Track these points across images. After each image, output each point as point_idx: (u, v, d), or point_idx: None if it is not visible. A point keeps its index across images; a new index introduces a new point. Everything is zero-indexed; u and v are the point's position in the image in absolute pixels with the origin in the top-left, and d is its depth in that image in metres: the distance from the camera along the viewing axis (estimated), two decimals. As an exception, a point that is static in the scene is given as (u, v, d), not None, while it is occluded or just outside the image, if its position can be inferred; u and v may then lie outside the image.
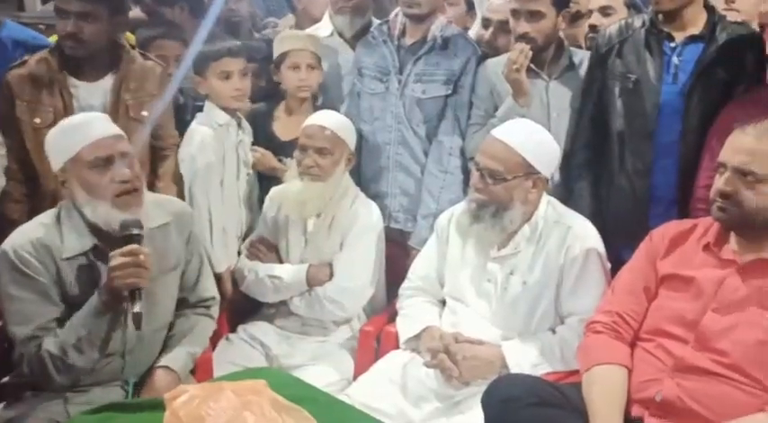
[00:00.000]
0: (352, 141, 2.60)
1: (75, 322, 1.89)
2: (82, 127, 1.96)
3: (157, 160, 2.58)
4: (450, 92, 2.68)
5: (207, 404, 1.55)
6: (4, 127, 2.35)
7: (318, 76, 2.79)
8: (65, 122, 2.01)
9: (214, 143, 2.59)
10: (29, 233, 1.95)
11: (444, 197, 2.65)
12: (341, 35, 3.05)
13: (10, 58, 2.65)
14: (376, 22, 3.05)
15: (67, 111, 2.36)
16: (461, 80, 2.67)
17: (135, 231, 1.88)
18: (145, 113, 2.47)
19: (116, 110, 2.40)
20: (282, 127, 2.82)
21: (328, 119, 2.56)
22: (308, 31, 3.09)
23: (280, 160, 2.78)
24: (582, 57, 2.60)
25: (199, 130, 2.61)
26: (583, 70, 2.56)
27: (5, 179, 2.36)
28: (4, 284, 1.91)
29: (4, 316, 1.94)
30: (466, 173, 2.61)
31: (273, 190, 2.67)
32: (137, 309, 1.84)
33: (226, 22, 3.10)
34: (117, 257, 1.84)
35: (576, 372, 1.97)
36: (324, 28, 3.10)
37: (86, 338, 1.88)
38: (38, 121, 2.35)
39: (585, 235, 2.20)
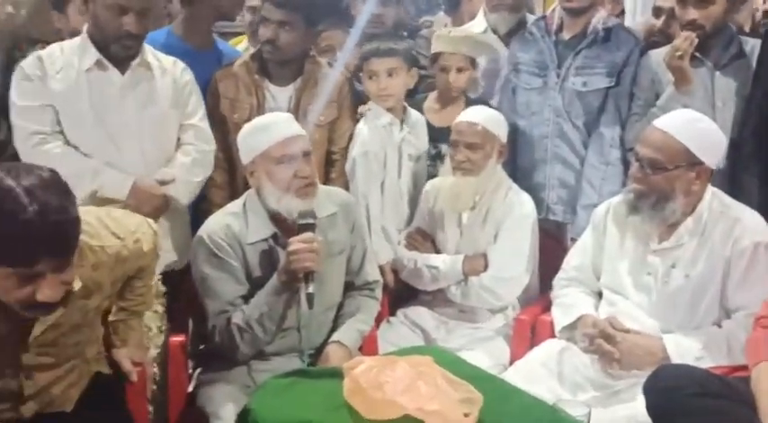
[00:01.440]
0: (503, 134, 2.63)
1: (257, 300, 2.10)
2: (271, 126, 2.16)
3: (329, 164, 2.73)
4: (611, 84, 2.67)
5: (385, 372, 1.66)
6: (213, 121, 2.60)
7: (468, 77, 2.82)
8: (255, 122, 2.22)
9: (374, 144, 2.69)
10: (221, 220, 2.18)
11: (605, 189, 2.65)
12: (495, 32, 3.10)
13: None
14: (530, 17, 3.09)
15: (260, 109, 2.59)
16: (624, 72, 2.66)
17: (310, 221, 2.06)
18: (322, 118, 2.65)
19: (297, 112, 2.57)
20: (435, 114, 2.90)
21: (478, 114, 2.61)
22: (462, 28, 3.16)
23: (436, 146, 2.84)
24: (753, 45, 2.51)
25: (362, 130, 2.72)
26: (754, 59, 2.46)
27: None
28: (200, 265, 2.15)
29: (199, 291, 2.17)
30: (626, 164, 2.59)
31: (429, 183, 2.77)
32: (310, 289, 2.02)
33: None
34: (295, 243, 2.03)
35: (742, 367, 1.93)
36: (478, 25, 3.16)
37: (267, 314, 2.07)
38: (236, 116, 2.58)
39: (755, 227, 2.13)
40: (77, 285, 1.57)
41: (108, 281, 1.75)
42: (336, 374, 1.78)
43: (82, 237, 1.53)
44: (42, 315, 1.56)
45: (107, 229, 1.75)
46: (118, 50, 2.32)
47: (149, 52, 2.43)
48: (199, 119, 2.51)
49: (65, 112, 2.30)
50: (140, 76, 2.39)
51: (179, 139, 2.48)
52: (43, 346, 1.68)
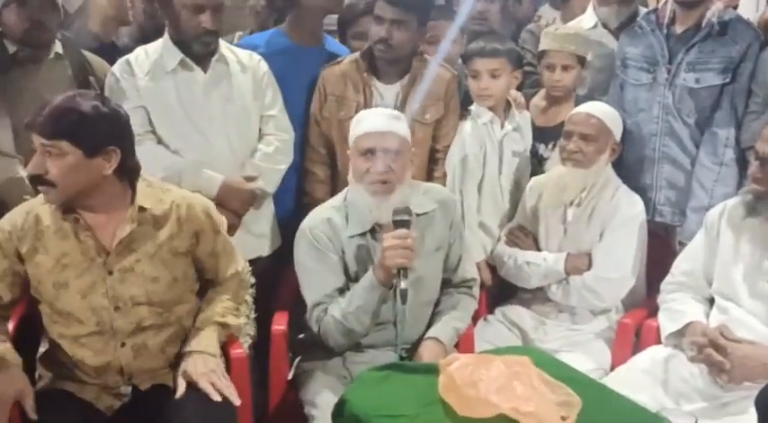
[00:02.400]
0: (617, 132, 2.57)
1: (353, 293, 2.13)
2: (366, 119, 2.21)
3: (432, 162, 2.72)
4: (727, 80, 2.54)
5: (480, 371, 1.65)
6: (318, 117, 2.67)
7: (576, 76, 2.76)
8: (359, 113, 2.29)
9: (474, 142, 2.66)
10: (322, 214, 2.23)
11: (718, 191, 2.52)
12: (605, 26, 3.01)
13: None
14: (642, 10, 2.97)
15: (367, 107, 2.59)
16: (741, 67, 2.52)
17: (405, 217, 2.07)
18: (428, 116, 2.65)
19: (403, 110, 2.57)
20: (540, 113, 2.85)
21: (595, 107, 2.56)
22: (571, 23, 3.08)
23: (534, 146, 2.81)
24: None
25: (464, 128, 2.70)
26: None
27: (312, 163, 2.68)
28: (301, 256, 2.21)
29: (299, 282, 2.23)
30: (741, 165, 2.46)
31: (533, 179, 2.72)
32: (403, 285, 2.02)
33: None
34: (389, 239, 2.04)
35: None
36: (587, 20, 3.08)
37: (362, 308, 2.10)
38: (342, 113, 2.62)
39: None
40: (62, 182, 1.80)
41: (169, 227, 1.94)
42: (432, 370, 1.78)
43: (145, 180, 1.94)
44: (45, 192, 1.83)
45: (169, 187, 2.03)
46: (199, 48, 2.42)
47: (224, 47, 2.52)
48: (278, 110, 2.59)
49: (155, 111, 2.42)
50: (221, 72, 2.48)
51: (260, 130, 2.57)
52: (124, 271, 1.89)
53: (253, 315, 2.47)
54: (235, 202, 2.43)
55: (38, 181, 1.81)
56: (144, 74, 2.42)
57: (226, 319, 2.01)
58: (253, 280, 2.46)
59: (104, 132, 1.81)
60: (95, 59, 2.53)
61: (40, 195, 1.88)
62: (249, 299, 2.42)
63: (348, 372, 2.18)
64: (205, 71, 2.45)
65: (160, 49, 2.45)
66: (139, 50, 2.50)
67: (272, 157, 2.53)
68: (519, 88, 2.86)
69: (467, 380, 1.64)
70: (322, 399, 2.06)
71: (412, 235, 2.06)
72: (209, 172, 2.42)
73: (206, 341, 1.93)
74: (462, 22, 2.94)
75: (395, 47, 2.58)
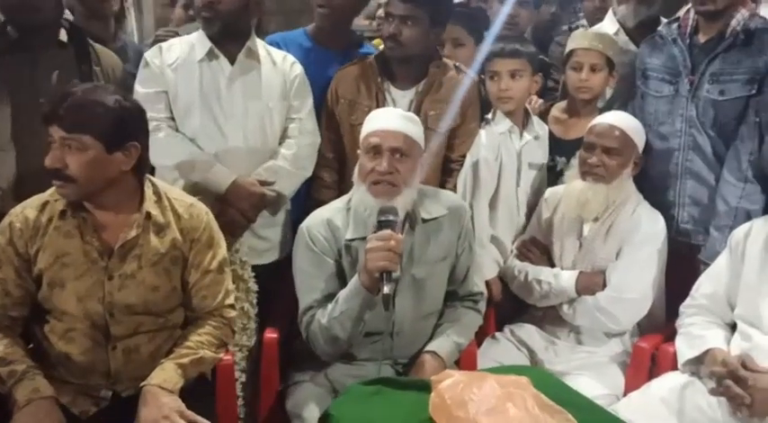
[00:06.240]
0: (641, 144, 2.47)
1: (339, 298, 2.03)
2: (375, 117, 2.15)
3: (445, 172, 2.63)
4: (753, 92, 2.40)
5: (471, 389, 1.56)
6: (328, 121, 2.62)
7: (603, 79, 2.67)
8: (374, 111, 2.23)
9: (490, 152, 2.57)
10: (323, 215, 2.16)
11: (743, 208, 2.37)
12: (623, 27, 2.92)
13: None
14: (663, 20, 2.86)
15: None
16: (767, 79, 2.38)
17: (390, 218, 1.97)
18: (442, 124, 2.56)
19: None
20: (560, 125, 2.76)
21: (619, 118, 2.47)
22: (592, 29, 2.98)
23: (552, 159, 2.71)
24: None
25: (480, 137, 2.61)
26: None
27: (320, 167, 2.61)
28: (298, 258, 2.14)
29: (295, 285, 2.15)
30: (763, 183, 2.33)
31: (549, 191, 2.62)
32: (386, 290, 1.89)
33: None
34: (371, 241, 1.94)
35: None
36: (608, 26, 2.98)
37: (346, 313, 2.00)
38: (354, 118, 2.56)
39: None
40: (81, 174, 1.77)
41: (171, 235, 1.90)
42: (424, 387, 1.71)
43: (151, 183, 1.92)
44: (60, 187, 1.79)
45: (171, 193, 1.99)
46: (205, 28, 2.40)
47: (260, 45, 2.50)
48: (305, 114, 2.53)
49: (176, 98, 2.40)
50: (249, 66, 2.44)
51: (285, 131, 2.51)
52: (125, 277, 1.84)
53: (253, 325, 2.40)
54: (243, 203, 2.36)
55: (55, 175, 1.77)
56: (172, 60, 2.41)
57: (199, 355, 1.88)
58: (256, 287, 2.40)
59: (127, 127, 1.79)
60: (102, 50, 2.50)
61: (51, 189, 1.85)
62: (249, 307, 2.35)
63: (341, 384, 2.08)
64: (232, 64, 2.42)
65: (193, 40, 2.45)
66: (174, 39, 2.51)
67: (293, 160, 2.48)
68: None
69: (457, 399, 1.56)
70: (308, 411, 1.98)
71: (397, 237, 1.94)
72: (222, 167, 2.37)
73: (164, 375, 1.80)
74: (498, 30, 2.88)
75: (404, 44, 2.49)
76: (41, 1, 2.29)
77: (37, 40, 2.32)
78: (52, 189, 1.85)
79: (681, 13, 2.61)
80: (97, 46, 2.47)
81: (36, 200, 1.89)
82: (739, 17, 2.44)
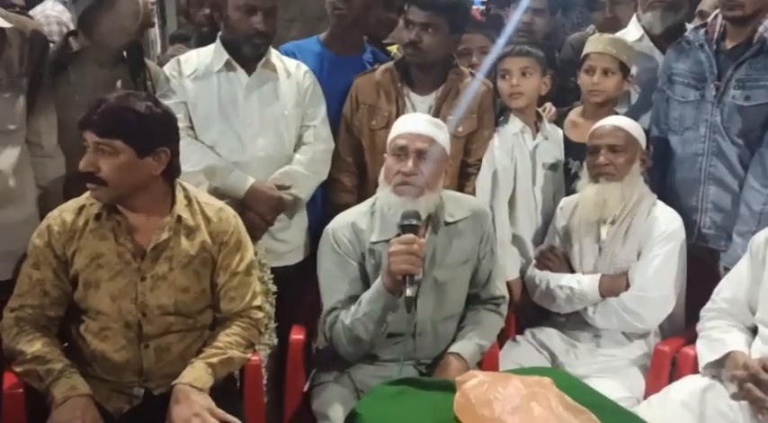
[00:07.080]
0: (643, 143, 2.51)
1: (363, 300, 2.07)
2: (402, 121, 2.20)
3: (463, 176, 2.65)
4: None
5: (495, 389, 1.58)
6: (347, 126, 2.66)
7: (616, 83, 2.69)
8: (402, 116, 2.29)
9: (505, 155, 2.60)
10: (348, 218, 2.19)
11: (767, 214, 2.38)
12: (649, 34, 2.93)
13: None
14: (689, 26, 2.87)
15: (399, 117, 2.54)
16: None
17: (413, 222, 2.00)
18: (460, 129, 2.59)
19: None
20: (575, 128, 2.78)
21: (617, 119, 2.52)
22: (615, 35, 2.99)
23: (567, 162, 2.73)
24: None
25: (493, 140, 2.63)
26: None
27: (339, 171, 2.65)
28: (322, 260, 2.18)
29: (320, 286, 2.19)
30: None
31: (564, 200, 2.65)
32: (408, 293, 1.93)
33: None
34: (394, 244, 1.97)
35: None
36: (632, 32, 2.99)
37: (369, 315, 2.03)
38: (374, 123, 2.61)
39: None
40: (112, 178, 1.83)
41: (200, 237, 1.94)
42: (448, 387, 1.72)
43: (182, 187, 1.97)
44: (94, 190, 1.85)
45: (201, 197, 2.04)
46: (249, 50, 2.46)
47: (274, 55, 2.56)
48: (319, 121, 2.60)
49: (195, 108, 2.46)
50: (266, 76, 2.51)
51: (300, 138, 2.57)
52: (156, 278, 1.89)
53: (273, 325, 2.44)
54: (262, 207, 2.42)
55: (89, 178, 1.83)
56: (191, 72, 2.47)
57: (228, 355, 1.92)
58: (274, 288, 2.44)
59: (157, 133, 1.85)
60: (152, 65, 2.58)
61: (87, 193, 1.90)
62: (269, 307, 2.39)
63: (365, 385, 2.11)
64: (249, 74, 2.48)
65: (211, 52, 2.51)
66: (192, 52, 2.57)
67: (308, 165, 2.53)
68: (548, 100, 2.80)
69: (482, 398, 1.57)
70: (334, 412, 2.01)
71: (419, 240, 1.98)
72: (240, 173, 2.43)
73: (195, 374, 1.84)
74: (509, 35, 2.88)
75: (425, 50, 2.53)
76: (133, 26, 2.38)
77: (104, 55, 2.39)
78: (88, 193, 1.90)
79: (709, 18, 2.62)
80: (147, 61, 2.53)
81: (73, 203, 1.94)
82: (767, 23, 2.45)
